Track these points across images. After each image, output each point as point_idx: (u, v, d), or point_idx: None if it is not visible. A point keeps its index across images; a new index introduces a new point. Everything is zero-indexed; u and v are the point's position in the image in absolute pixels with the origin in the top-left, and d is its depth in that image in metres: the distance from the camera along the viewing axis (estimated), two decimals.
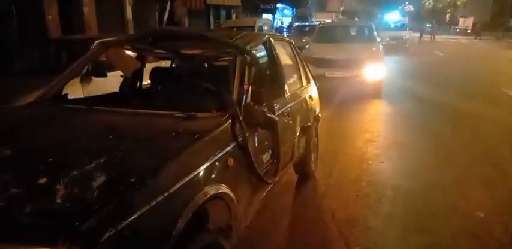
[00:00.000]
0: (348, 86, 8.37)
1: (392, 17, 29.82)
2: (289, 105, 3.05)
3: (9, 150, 1.61)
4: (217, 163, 1.83)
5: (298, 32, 15.72)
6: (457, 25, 39.83)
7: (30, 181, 1.37)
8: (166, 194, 1.47)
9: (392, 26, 20.60)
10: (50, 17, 8.88)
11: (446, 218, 3.07)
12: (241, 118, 2.09)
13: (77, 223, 1.19)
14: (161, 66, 3.89)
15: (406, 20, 21.88)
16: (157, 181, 1.50)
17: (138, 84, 3.27)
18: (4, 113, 2.35)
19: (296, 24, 19.96)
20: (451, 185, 3.66)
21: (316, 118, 4.01)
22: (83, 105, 2.34)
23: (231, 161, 1.92)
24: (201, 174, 1.70)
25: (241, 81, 2.32)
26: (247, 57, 2.47)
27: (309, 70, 4.08)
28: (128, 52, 3.10)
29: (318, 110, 4.06)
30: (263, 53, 3.07)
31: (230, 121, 2.07)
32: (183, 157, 1.67)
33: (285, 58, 3.38)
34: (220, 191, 1.78)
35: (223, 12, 19.12)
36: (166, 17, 13.02)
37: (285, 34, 19.12)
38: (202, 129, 1.91)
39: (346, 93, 8.35)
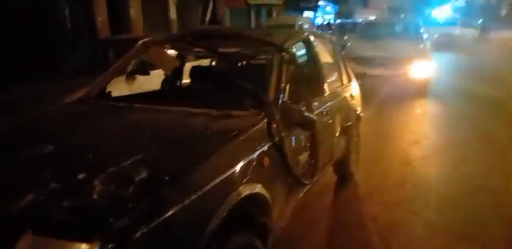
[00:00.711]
0: (392, 85, 8.08)
1: (442, 13, 28.44)
2: (328, 104, 2.96)
3: (51, 146, 1.67)
4: (252, 163, 1.79)
5: (340, 29, 15.39)
6: None
7: (69, 177, 1.40)
8: (199, 193, 1.46)
9: (442, 22, 19.65)
10: (100, 18, 9.30)
11: (495, 227, 2.86)
12: (277, 118, 2.05)
13: (111, 220, 1.20)
14: (201, 64, 3.91)
15: (457, 16, 20.80)
16: (191, 179, 1.49)
17: (178, 82, 3.31)
18: (49, 111, 2.45)
19: (338, 21, 19.56)
20: (502, 192, 3.41)
21: (358, 118, 3.88)
22: (123, 102, 2.39)
23: (266, 161, 1.88)
24: (235, 173, 1.67)
25: (278, 79, 2.28)
26: (285, 55, 2.42)
27: (350, 68, 3.96)
28: (168, 51, 3.15)
29: (359, 109, 3.93)
30: (302, 51, 3.00)
31: (266, 120, 2.03)
32: (217, 156, 1.65)
33: (324, 56, 3.28)
34: (255, 191, 1.75)
35: (264, 11, 19.12)
36: (208, 16, 13.24)
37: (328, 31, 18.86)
38: (238, 128, 1.88)
39: (390, 92, 8.07)
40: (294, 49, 2.67)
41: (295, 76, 2.48)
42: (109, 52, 6.41)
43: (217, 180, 1.57)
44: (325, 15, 28.02)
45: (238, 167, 1.70)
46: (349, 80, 3.81)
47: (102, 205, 1.26)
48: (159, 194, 1.35)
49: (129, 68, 5.00)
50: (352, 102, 3.65)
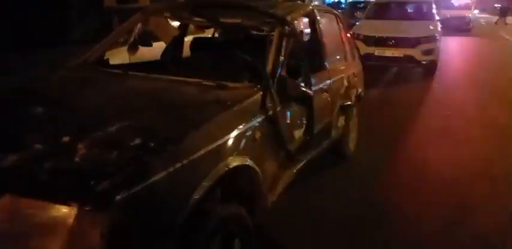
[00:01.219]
0: (400, 66, 7.95)
1: None
2: (328, 81, 2.91)
3: (41, 109, 1.65)
4: (243, 135, 1.78)
5: (352, 8, 15.02)
6: None
7: (54, 140, 1.39)
8: (186, 161, 1.45)
9: (456, 4, 19.09)
10: None
11: (489, 213, 2.85)
12: (273, 91, 2.01)
13: (92, 183, 1.19)
14: (203, 36, 3.84)
15: None
16: (178, 147, 1.48)
17: (178, 52, 3.26)
18: (43, 75, 2.42)
19: (350, 0, 19.05)
20: (501, 179, 3.39)
21: (359, 98, 3.82)
22: (119, 69, 2.35)
23: (258, 134, 1.86)
24: (224, 145, 1.66)
25: (277, 52, 2.22)
26: (287, 28, 2.36)
27: (356, 46, 3.87)
28: (169, 21, 3.08)
29: (361, 89, 3.87)
30: (306, 25, 2.91)
31: (261, 93, 1.99)
32: (207, 126, 1.63)
33: (329, 31, 3.20)
34: (244, 163, 1.74)
35: None
36: None
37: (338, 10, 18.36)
38: (231, 99, 1.85)
39: (396, 73, 7.97)
40: (297, 23, 2.60)
41: (295, 51, 2.43)
42: (113, 21, 6.32)
43: (206, 149, 1.55)
44: None
45: (228, 138, 1.68)
46: (353, 58, 3.73)
47: (85, 168, 1.26)
48: (144, 160, 1.34)
49: (131, 39, 4.94)
50: (354, 80, 3.59)
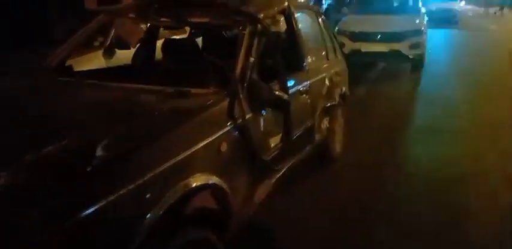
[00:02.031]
0: (386, 62, 7.81)
1: None
2: (308, 82, 2.73)
3: None
4: (206, 149, 1.58)
5: (339, 3, 14.84)
6: None
7: None
8: (136, 183, 1.26)
9: None
10: None
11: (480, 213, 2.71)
12: (241, 96, 1.82)
13: (15, 217, 1.00)
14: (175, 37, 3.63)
15: None
16: (126, 167, 1.28)
17: (148, 56, 3.05)
18: None
19: None
20: (493, 178, 3.24)
21: (343, 97, 3.65)
22: (75, 77, 2.14)
23: (224, 147, 1.67)
24: (183, 161, 1.46)
25: (247, 53, 2.03)
26: (258, 26, 2.17)
27: (338, 43, 3.69)
28: (136, 22, 2.86)
29: (345, 88, 3.69)
30: (281, 23, 2.72)
31: (228, 99, 1.80)
32: (162, 140, 1.44)
33: (308, 29, 3.01)
34: (208, 182, 1.55)
35: None
36: None
37: (324, 6, 18.19)
38: (193, 108, 1.66)
39: (383, 69, 7.82)
40: (270, 20, 2.41)
41: (269, 51, 2.24)
42: None
43: (161, 168, 1.36)
44: None
45: (188, 154, 1.49)
46: (336, 56, 3.55)
47: (10, 197, 1.06)
48: (83, 184, 1.15)
49: (107, 42, 4.71)
50: (337, 79, 3.41)
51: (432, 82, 6.89)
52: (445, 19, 15.77)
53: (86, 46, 4.75)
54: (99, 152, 1.28)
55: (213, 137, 1.63)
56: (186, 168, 1.48)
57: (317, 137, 3.05)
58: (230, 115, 1.76)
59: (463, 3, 17.97)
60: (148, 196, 1.29)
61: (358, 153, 3.70)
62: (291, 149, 2.33)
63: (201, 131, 1.60)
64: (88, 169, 1.18)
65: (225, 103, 1.78)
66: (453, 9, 17.02)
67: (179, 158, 1.44)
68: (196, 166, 1.52)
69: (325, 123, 3.21)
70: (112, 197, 1.16)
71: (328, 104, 3.18)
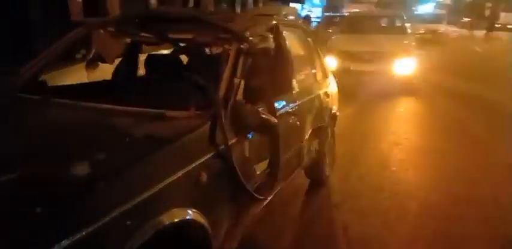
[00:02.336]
0: (375, 81, 7.80)
1: (428, 9, 28.29)
2: (297, 103, 2.60)
3: None
4: (183, 180, 1.40)
5: (328, 22, 15.02)
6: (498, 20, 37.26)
7: None
8: (99, 223, 1.08)
9: (428, 18, 19.45)
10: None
11: (483, 245, 2.56)
12: (224, 120, 1.66)
13: None
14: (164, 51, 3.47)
15: (444, 12, 20.65)
16: (87, 204, 1.10)
17: (127, 73, 2.88)
18: None
19: (326, 14, 19.16)
20: (490, 203, 3.11)
21: (333, 117, 3.53)
22: (43, 95, 1.95)
23: (203, 177, 1.49)
24: (156, 196, 1.28)
25: (232, 74, 1.89)
26: (245, 45, 2.03)
27: (327, 63, 3.60)
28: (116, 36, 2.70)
29: (335, 108, 3.58)
30: (268, 41, 2.60)
31: (210, 123, 1.64)
32: (131, 171, 1.26)
33: (296, 48, 2.90)
34: (184, 218, 1.37)
35: (250, 0, 18.53)
36: (192, 2, 12.63)
37: (313, 24, 18.44)
38: (169, 133, 1.49)
39: (372, 88, 7.79)
40: (258, 39, 2.28)
41: (255, 71, 2.10)
42: None
43: (129, 205, 1.18)
44: (313, 7, 27.55)
45: (161, 187, 1.31)
46: (325, 76, 3.44)
47: None
48: (35, 228, 0.96)
49: (90, 55, 4.54)
50: (327, 100, 3.29)
51: (421, 101, 6.87)
52: (431, 40, 16.05)
53: (68, 59, 4.61)
54: (55, 188, 1.10)
55: (191, 167, 1.46)
56: (159, 203, 1.30)
57: (306, 160, 2.91)
58: (211, 141, 1.60)
59: (444, 25, 18.31)
60: (112, 238, 1.11)
61: (347, 177, 3.55)
62: (278, 175, 2.15)
63: (177, 161, 1.43)
64: (36, 211, 1.00)
65: (206, 128, 1.62)
66: (439, 30, 17.36)
67: (151, 192, 1.26)
68: (171, 200, 1.34)
69: (314, 145, 3.07)
70: (75, 238, 0.98)
71: (318, 125, 3.05)
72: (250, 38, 2.12)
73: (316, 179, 3.37)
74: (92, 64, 4.68)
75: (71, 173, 1.20)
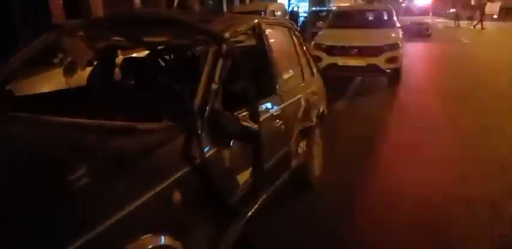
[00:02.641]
0: (364, 76, 7.71)
1: (416, 1, 28.26)
2: (281, 106, 2.48)
3: None
4: (153, 202, 1.27)
5: (314, 17, 14.89)
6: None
7: None
8: None
9: (415, 11, 19.42)
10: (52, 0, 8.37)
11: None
12: (200, 131, 1.53)
13: None
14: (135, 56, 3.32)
15: (429, 5, 20.64)
16: (42, 236, 0.97)
17: (103, 78, 2.73)
18: None
19: (313, 9, 19.03)
20: (481, 199, 3.04)
21: (321, 117, 3.42)
22: (1, 108, 1.79)
23: (177, 196, 1.37)
24: (121, 222, 1.15)
25: (209, 79, 1.76)
26: (223, 46, 1.90)
27: (313, 60, 3.47)
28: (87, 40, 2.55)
29: (323, 107, 3.47)
30: (250, 42, 2.47)
31: (184, 136, 1.51)
32: (90, 196, 1.12)
33: (281, 47, 2.77)
34: (159, 243, 1.24)
35: None
36: (176, 1, 12.40)
37: (301, 19, 18.27)
38: (137, 149, 1.36)
39: (360, 83, 7.71)
40: (238, 40, 2.15)
41: (236, 75, 1.97)
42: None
43: (85, 238, 1.04)
44: (300, 2, 27.36)
45: (128, 211, 1.18)
46: (312, 74, 3.33)
47: None
48: None
49: (69, 59, 4.36)
50: (314, 99, 3.18)
51: (410, 95, 6.79)
52: (419, 32, 16.03)
53: (45, 64, 4.42)
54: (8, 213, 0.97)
55: (162, 186, 1.32)
56: (127, 229, 1.17)
57: (294, 163, 2.80)
58: (186, 155, 1.47)
59: (430, 17, 18.30)
60: None
61: (337, 177, 3.45)
62: (263, 184, 2.04)
63: (146, 180, 1.29)
64: None
65: (180, 141, 1.49)
66: (426, 22, 17.34)
67: (114, 220, 1.13)
68: (141, 225, 1.21)
69: (302, 147, 2.96)
70: None
71: (305, 126, 2.94)
72: (230, 39, 1.99)
73: (304, 183, 3.24)
74: (70, 69, 4.53)
75: (34, 194, 1.07)
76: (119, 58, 3.03)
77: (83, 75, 4.10)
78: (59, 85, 4.20)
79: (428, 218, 2.80)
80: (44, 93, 2.48)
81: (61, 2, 8.47)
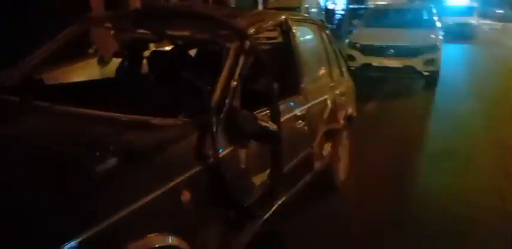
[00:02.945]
0: (399, 77, 7.44)
1: (458, 1, 27.05)
2: (305, 106, 2.39)
3: None
4: (161, 201, 1.24)
5: (352, 15, 14.58)
6: None
7: None
8: None
9: (458, 11, 18.57)
10: None
11: None
12: (215, 129, 1.48)
13: None
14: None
15: (475, 4, 19.69)
16: (45, 231, 0.96)
17: (130, 70, 2.74)
18: None
19: (350, 6, 18.61)
20: None
21: (349, 119, 3.30)
22: (26, 97, 1.80)
23: (186, 196, 1.32)
24: (127, 220, 1.12)
25: (229, 75, 1.70)
26: (246, 42, 1.84)
27: (344, 60, 3.35)
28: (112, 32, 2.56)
29: (351, 109, 3.34)
30: (276, 38, 2.40)
31: (198, 133, 1.46)
32: (95, 193, 1.10)
33: (308, 45, 2.69)
34: (165, 244, 1.20)
35: None
36: None
37: (337, 17, 17.92)
38: (148, 145, 1.32)
39: (395, 85, 7.44)
40: (262, 36, 2.08)
41: (258, 73, 1.90)
42: None
43: (88, 233, 1.02)
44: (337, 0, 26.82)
45: (134, 209, 1.15)
46: (341, 74, 3.21)
47: None
48: None
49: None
50: (342, 100, 3.06)
51: (447, 100, 6.47)
52: (461, 34, 15.32)
53: (80, 54, 4.54)
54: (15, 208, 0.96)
55: (171, 185, 1.28)
56: (132, 227, 1.14)
57: (317, 165, 2.71)
58: (198, 153, 1.42)
59: (476, 17, 17.37)
60: None
61: (364, 181, 3.32)
62: (281, 186, 1.97)
63: (155, 178, 1.26)
64: None
65: (194, 138, 1.44)
66: (470, 23, 16.54)
67: (121, 216, 1.10)
68: (147, 224, 1.18)
69: (327, 149, 2.86)
70: None
71: (331, 128, 2.84)
72: (254, 36, 1.93)
73: (329, 186, 3.14)
74: (103, 59, 4.61)
75: (40, 190, 1.06)
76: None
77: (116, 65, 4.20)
78: (93, 75, 4.31)
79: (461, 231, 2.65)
80: (70, 83, 2.51)
81: None
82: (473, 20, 16.97)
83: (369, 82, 6.75)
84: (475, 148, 4.22)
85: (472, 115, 5.56)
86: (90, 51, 4.82)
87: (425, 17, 8.03)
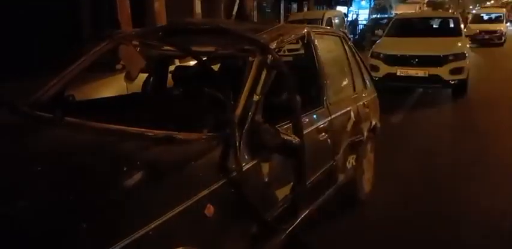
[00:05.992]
0: (424, 87, 7.30)
1: (487, 8, 26.46)
2: (328, 118, 2.39)
3: None
4: (185, 215, 1.26)
5: (374, 25, 14.50)
6: None
7: None
8: None
9: (486, 18, 18.15)
10: (121, 10, 8.90)
11: None
12: (238, 143, 1.50)
13: None
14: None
15: (504, 11, 19.21)
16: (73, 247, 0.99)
17: (155, 86, 2.81)
18: None
19: (373, 17, 18.56)
20: None
21: (373, 131, 3.26)
22: (53, 114, 1.87)
23: (210, 210, 1.34)
24: (151, 235, 1.14)
25: (251, 89, 1.73)
26: (269, 57, 1.87)
27: (367, 71, 3.33)
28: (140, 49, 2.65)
29: (375, 121, 3.30)
30: (298, 51, 2.42)
31: (222, 147, 1.48)
32: (119, 207, 1.13)
33: (331, 57, 2.69)
34: None
35: (294, 5, 18.37)
36: (235, 10, 12.72)
37: (360, 27, 17.87)
38: (171, 160, 1.35)
39: (421, 95, 7.30)
40: (285, 50, 2.11)
41: (281, 86, 1.92)
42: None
43: (119, 246, 1.05)
44: (360, 10, 26.80)
45: (158, 224, 1.17)
46: (364, 86, 3.19)
47: None
48: None
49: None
50: (366, 111, 3.04)
51: (477, 110, 6.28)
52: (489, 41, 14.94)
53: (108, 70, 4.70)
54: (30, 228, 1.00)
55: (195, 199, 1.31)
56: (159, 243, 1.16)
57: (340, 178, 2.68)
58: (222, 168, 1.44)
59: (508, 24, 16.93)
60: None
61: (390, 194, 3.25)
62: (304, 200, 1.96)
63: (179, 192, 1.28)
64: None
65: (217, 152, 1.47)
66: (498, 30, 16.12)
67: (143, 232, 1.12)
68: (170, 238, 1.20)
69: (351, 161, 2.83)
70: None
71: (355, 140, 2.81)
72: (276, 50, 1.96)
73: (352, 198, 3.09)
74: (130, 75, 4.73)
75: (62, 205, 1.10)
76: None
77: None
78: (120, 90, 4.44)
79: None
80: (99, 99, 2.60)
81: (129, 11, 8.94)
82: (502, 27, 16.53)
83: (395, 93, 6.65)
84: (510, 160, 4.06)
85: (506, 126, 5.36)
86: (118, 66, 4.99)
87: (452, 26, 7.89)
